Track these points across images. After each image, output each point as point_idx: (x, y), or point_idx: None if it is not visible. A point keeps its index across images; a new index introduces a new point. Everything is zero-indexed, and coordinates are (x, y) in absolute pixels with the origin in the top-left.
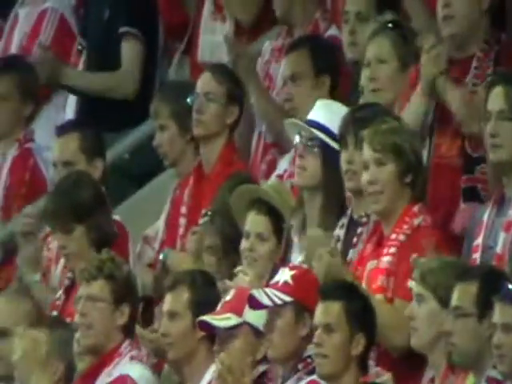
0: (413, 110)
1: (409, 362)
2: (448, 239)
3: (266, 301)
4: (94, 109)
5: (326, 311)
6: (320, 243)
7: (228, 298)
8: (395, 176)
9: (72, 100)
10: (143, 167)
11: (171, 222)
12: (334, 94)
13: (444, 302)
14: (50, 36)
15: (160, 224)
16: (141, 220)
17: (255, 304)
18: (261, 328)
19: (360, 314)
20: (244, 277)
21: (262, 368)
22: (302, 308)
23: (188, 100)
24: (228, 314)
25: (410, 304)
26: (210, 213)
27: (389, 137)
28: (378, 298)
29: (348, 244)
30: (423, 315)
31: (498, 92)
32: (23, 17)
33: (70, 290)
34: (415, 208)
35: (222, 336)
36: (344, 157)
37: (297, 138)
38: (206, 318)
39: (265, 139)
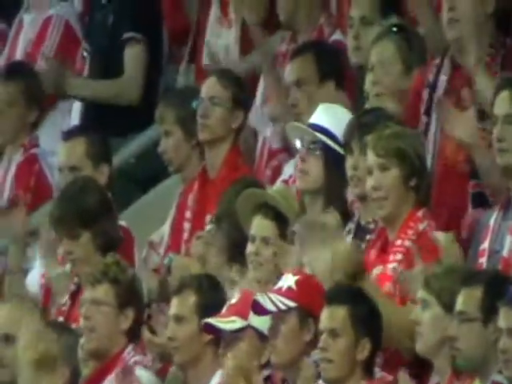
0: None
1: (414, 368)
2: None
3: (270, 306)
4: (99, 114)
5: (331, 316)
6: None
7: (233, 300)
8: (399, 181)
9: (77, 105)
10: (148, 172)
11: (176, 227)
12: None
13: (448, 307)
14: (56, 42)
15: (165, 229)
16: (146, 225)
17: (259, 309)
18: (265, 332)
19: (365, 318)
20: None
21: (266, 372)
22: (306, 313)
23: (193, 105)
24: (233, 317)
25: (416, 308)
26: (213, 219)
27: (392, 141)
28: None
29: None
30: (427, 320)
31: (504, 96)
32: (28, 23)
33: (75, 295)
34: (419, 213)
35: (227, 339)
36: (349, 163)
37: (298, 143)
38: (212, 320)
39: (270, 145)
